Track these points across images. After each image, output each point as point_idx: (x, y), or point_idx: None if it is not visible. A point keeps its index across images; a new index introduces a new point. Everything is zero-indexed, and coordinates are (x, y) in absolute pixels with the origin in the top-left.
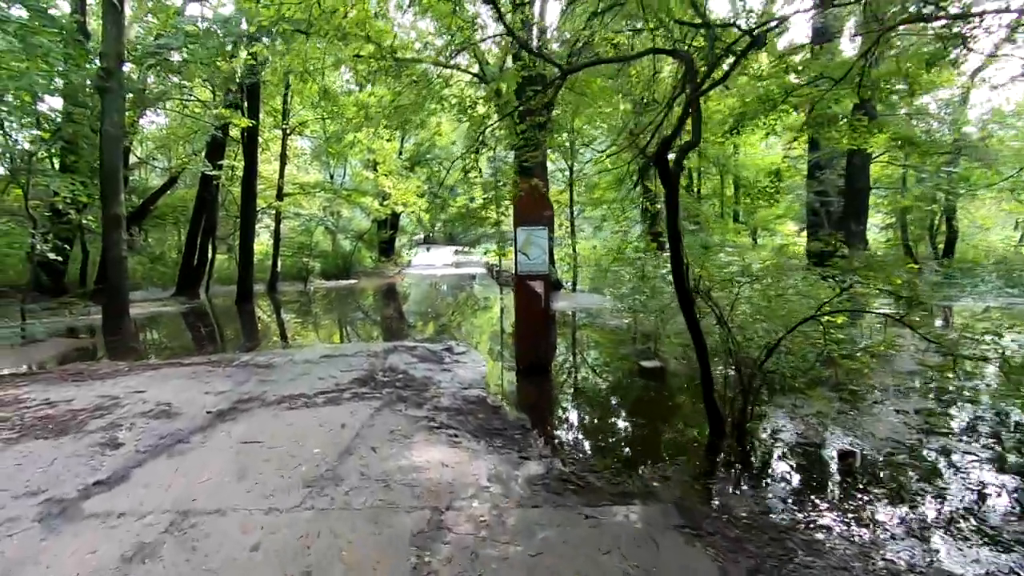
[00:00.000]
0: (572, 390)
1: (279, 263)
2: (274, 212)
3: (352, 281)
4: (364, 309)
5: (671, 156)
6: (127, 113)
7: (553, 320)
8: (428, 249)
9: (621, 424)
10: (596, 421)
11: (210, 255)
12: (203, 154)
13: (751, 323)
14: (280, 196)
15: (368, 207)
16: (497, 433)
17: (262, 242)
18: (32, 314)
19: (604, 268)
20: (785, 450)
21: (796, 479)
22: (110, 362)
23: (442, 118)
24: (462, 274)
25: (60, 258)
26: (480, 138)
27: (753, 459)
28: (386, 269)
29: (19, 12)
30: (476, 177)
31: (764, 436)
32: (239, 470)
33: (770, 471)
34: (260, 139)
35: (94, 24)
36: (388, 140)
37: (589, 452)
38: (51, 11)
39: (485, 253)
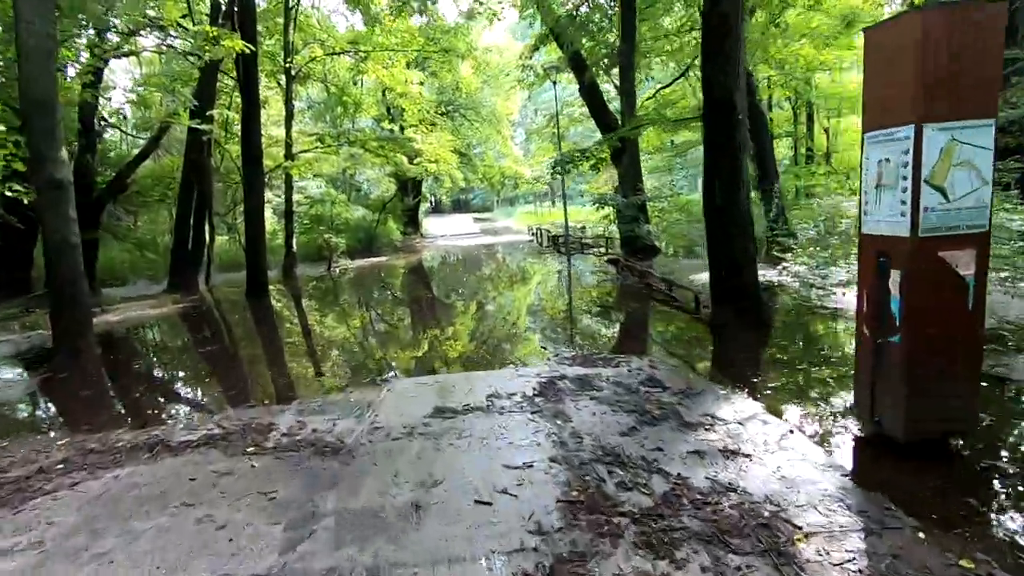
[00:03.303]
0: None
1: (293, 242)
2: (283, 177)
3: (380, 258)
4: (414, 299)
5: None
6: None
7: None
8: (439, 218)
9: None
10: None
11: (208, 236)
12: (189, 104)
13: None
14: (290, 155)
15: (400, 165)
16: None
17: (267, 218)
18: None
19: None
20: None
21: None
22: (32, 450)
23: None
24: (499, 243)
25: None
26: None
27: None
28: (413, 242)
29: None
30: None
31: None
32: None
33: None
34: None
35: None
36: (415, 84)
37: None
38: None
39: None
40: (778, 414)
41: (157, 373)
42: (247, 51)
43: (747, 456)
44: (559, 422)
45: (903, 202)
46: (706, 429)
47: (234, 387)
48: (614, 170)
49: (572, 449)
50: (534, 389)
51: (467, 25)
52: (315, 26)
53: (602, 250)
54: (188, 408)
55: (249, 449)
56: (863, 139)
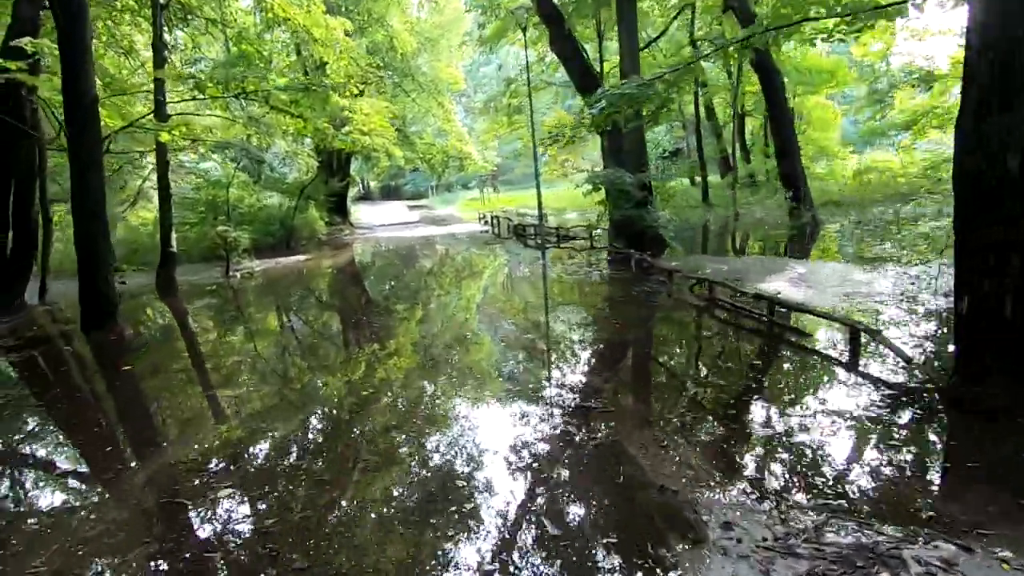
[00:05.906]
0: None
1: (173, 237)
2: (154, 146)
3: (299, 257)
4: (355, 334)
5: None
6: None
7: None
8: (369, 205)
9: None
10: None
11: (40, 232)
12: None
13: None
14: (161, 113)
15: (324, 132)
16: None
17: (148, 208)
18: None
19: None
20: None
21: None
22: None
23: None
24: (448, 234)
25: None
26: None
27: None
28: (342, 234)
29: None
30: None
31: None
32: None
33: None
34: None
35: None
36: (340, 33)
37: None
38: None
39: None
40: None
41: None
42: None
43: None
44: None
45: None
46: None
47: None
48: (580, 149)
49: None
50: None
51: None
52: None
53: (582, 241)
54: None
55: None
56: None
